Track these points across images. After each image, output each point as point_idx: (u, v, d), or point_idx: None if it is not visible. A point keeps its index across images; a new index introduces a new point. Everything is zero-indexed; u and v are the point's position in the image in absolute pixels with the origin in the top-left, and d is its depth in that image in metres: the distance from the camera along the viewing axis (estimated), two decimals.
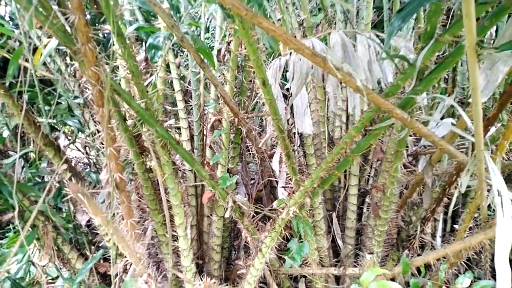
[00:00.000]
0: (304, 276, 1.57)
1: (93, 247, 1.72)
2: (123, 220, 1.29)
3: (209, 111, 1.61)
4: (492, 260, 1.59)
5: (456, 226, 1.59)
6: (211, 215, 1.61)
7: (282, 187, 1.43)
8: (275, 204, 1.53)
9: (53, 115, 1.73)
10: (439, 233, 1.67)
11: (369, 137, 1.03)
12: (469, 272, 1.14)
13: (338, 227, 1.62)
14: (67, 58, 1.69)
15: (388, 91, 0.92)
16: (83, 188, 0.95)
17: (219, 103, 1.50)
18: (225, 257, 1.69)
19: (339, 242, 1.59)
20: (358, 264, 1.61)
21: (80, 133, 1.73)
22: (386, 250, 1.58)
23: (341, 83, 1.69)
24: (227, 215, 1.38)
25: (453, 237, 1.69)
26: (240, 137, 1.54)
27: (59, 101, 1.77)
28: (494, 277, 1.77)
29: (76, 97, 1.64)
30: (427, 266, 1.41)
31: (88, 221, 1.67)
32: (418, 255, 1.65)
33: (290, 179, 1.54)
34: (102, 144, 1.22)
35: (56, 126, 1.76)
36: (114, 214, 1.22)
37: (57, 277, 2.21)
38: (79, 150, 2.00)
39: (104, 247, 1.65)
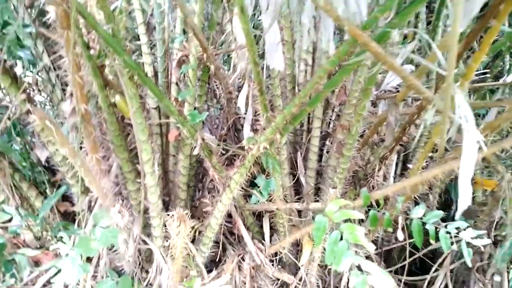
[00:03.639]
0: (267, 212, 1.64)
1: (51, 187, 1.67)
2: (87, 155, 1.24)
3: (174, 47, 1.54)
4: (440, 195, 1.73)
5: (410, 166, 1.70)
6: (177, 154, 1.59)
7: (253, 124, 1.44)
8: (244, 142, 1.55)
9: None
10: (391, 174, 1.78)
11: (342, 72, 1.05)
12: (422, 205, 1.24)
13: (302, 166, 1.68)
14: None
15: (365, 24, 0.93)
16: (49, 116, 0.89)
17: (187, 38, 1.45)
18: (191, 196, 1.71)
19: (303, 180, 1.66)
20: (319, 201, 1.70)
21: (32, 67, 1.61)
22: (344, 188, 1.67)
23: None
24: (195, 152, 1.38)
25: (406, 177, 1.82)
26: (208, 75, 1.51)
27: (4, 31, 1.62)
28: None
29: (26, 26, 1.50)
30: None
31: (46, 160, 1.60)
32: None
33: (256, 119, 1.56)
34: (64, 73, 1.14)
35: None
36: (80, 148, 1.18)
37: (10, 220, 2.13)
38: (32, 88, 1.86)
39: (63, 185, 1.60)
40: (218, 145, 1.47)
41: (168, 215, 1.19)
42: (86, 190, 1.36)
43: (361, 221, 1.56)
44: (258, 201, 1.49)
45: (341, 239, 1.05)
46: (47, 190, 1.64)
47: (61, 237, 1.03)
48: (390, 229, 1.29)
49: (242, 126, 1.95)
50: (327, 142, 1.94)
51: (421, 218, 1.24)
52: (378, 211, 1.29)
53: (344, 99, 1.74)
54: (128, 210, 1.46)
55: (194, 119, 1.32)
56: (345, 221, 1.10)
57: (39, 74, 1.64)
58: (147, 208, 1.46)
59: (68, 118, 1.10)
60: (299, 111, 1.17)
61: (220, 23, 1.49)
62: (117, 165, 1.41)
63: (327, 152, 1.88)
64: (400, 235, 1.29)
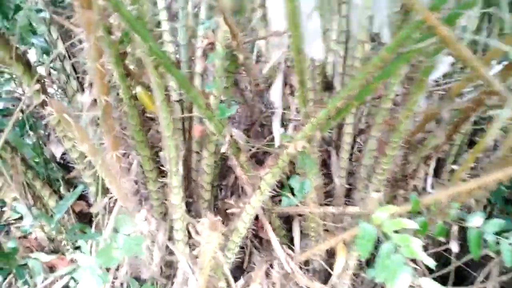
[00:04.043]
0: (298, 216, 1.51)
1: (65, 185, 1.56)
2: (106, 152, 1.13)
3: (198, 34, 1.42)
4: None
5: (454, 167, 1.56)
6: (200, 151, 1.47)
7: (290, 119, 1.31)
8: (277, 139, 1.42)
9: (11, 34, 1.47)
10: (430, 174, 1.64)
11: (399, 61, 0.92)
12: (481, 212, 1.11)
13: (337, 165, 1.54)
14: None
15: (434, 4, 0.79)
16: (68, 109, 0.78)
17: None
18: (214, 196, 1.59)
19: (337, 181, 1.52)
20: (351, 204, 1.58)
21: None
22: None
23: None
24: (223, 150, 1.26)
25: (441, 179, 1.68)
26: (235, 65, 1.38)
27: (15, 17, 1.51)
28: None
29: (39, 10, 1.39)
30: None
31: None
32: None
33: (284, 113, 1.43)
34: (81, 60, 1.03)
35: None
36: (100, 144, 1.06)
37: (21, 218, 2.03)
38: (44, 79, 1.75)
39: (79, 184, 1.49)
40: (247, 142, 1.35)
41: (199, 221, 1.07)
42: (104, 190, 1.25)
43: None
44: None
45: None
46: (61, 188, 1.54)
47: (79, 247, 0.92)
48: (442, 238, 1.16)
49: (268, 121, 1.82)
50: (357, 139, 1.81)
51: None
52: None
53: (382, 93, 1.60)
54: (149, 211, 1.35)
55: (223, 113, 1.20)
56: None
57: (52, 63, 1.53)
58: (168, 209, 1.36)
59: (87, 111, 0.98)
60: (344, 105, 1.04)
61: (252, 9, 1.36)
62: (137, 163, 1.30)
63: (359, 150, 1.75)
64: (454, 246, 1.16)
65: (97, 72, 0.89)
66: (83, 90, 1.47)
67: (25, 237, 2.07)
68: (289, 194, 1.38)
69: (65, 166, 1.56)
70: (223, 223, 1.57)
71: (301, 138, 1.10)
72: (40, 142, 1.43)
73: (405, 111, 1.14)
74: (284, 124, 1.56)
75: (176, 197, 1.29)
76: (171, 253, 1.37)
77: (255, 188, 1.29)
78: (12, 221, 2.05)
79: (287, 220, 1.66)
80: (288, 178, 1.34)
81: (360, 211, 1.33)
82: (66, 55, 1.46)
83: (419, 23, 0.81)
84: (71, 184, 1.59)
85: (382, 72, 0.95)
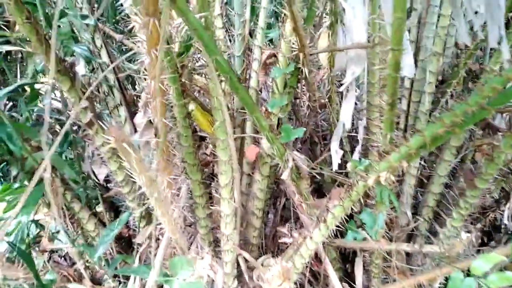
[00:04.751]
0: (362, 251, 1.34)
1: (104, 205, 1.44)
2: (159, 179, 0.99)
3: (255, 44, 1.28)
4: None
5: None
6: (252, 173, 1.32)
7: (375, 146, 1.15)
8: (335, 163, 1.27)
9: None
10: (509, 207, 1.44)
11: None
12: None
13: (407, 193, 1.36)
14: None
15: None
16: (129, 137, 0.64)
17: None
18: (264, 223, 1.43)
19: (408, 212, 1.35)
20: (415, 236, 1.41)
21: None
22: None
23: None
24: (284, 177, 1.11)
25: None
26: (297, 79, 1.23)
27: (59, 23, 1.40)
28: None
29: (85, 17, 1.27)
30: None
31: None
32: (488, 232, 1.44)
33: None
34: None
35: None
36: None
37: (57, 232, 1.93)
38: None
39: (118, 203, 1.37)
40: (311, 167, 1.19)
41: (269, 269, 0.92)
42: (150, 218, 1.12)
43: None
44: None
45: None
46: (99, 208, 1.41)
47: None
48: None
49: (319, 139, 1.66)
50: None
51: None
52: None
53: None
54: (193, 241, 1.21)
55: (288, 136, 1.04)
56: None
57: (95, 73, 1.42)
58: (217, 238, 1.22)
59: (141, 133, 0.84)
60: (444, 132, 0.86)
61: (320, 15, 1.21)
62: (186, 187, 1.16)
63: (422, 175, 1.57)
64: None
65: (159, 91, 0.75)
66: (127, 103, 1.35)
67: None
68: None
69: (103, 184, 1.44)
70: (272, 253, 1.43)
71: (384, 169, 0.94)
72: (79, 160, 1.32)
73: (509, 140, 0.95)
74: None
75: (228, 226, 1.15)
76: None
77: (320, 219, 1.13)
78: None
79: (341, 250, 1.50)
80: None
81: (440, 251, 1.14)
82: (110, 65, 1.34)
83: None
84: (109, 203, 1.47)
85: (502, 95, 0.78)
